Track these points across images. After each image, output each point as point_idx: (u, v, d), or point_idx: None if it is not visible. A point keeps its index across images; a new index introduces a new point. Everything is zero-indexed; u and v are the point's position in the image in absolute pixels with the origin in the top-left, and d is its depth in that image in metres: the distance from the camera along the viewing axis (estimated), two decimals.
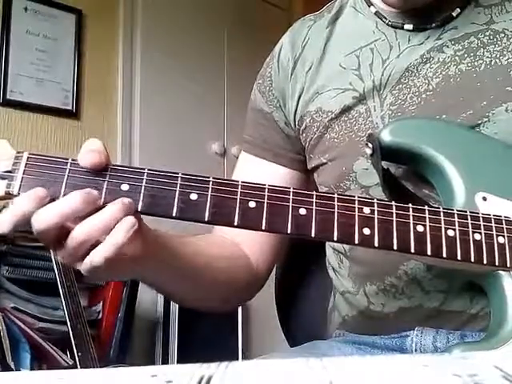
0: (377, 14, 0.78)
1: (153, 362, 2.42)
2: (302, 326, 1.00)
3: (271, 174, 0.86)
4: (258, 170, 0.87)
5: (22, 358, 1.86)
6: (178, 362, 2.38)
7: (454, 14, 0.74)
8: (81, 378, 0.39)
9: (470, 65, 0.72)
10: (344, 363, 0.39)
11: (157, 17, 2.76)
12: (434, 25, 0.74)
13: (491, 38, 0.72)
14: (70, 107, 2.45)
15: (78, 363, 1.76)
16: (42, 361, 1.94)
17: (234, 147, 2.89)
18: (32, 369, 1.86)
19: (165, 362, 2.39)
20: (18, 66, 2.33)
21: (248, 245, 0.85)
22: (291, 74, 0.83)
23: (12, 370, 1.74)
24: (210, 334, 2.35)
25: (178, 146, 2.75)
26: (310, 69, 0.82)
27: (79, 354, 1.76)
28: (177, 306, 2.40)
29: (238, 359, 2.39)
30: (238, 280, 0.83)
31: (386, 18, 0.76)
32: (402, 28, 0.75)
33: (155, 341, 2.46)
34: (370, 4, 0.79)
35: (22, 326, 1.90)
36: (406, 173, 0.73)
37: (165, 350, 2.41)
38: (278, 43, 0.89)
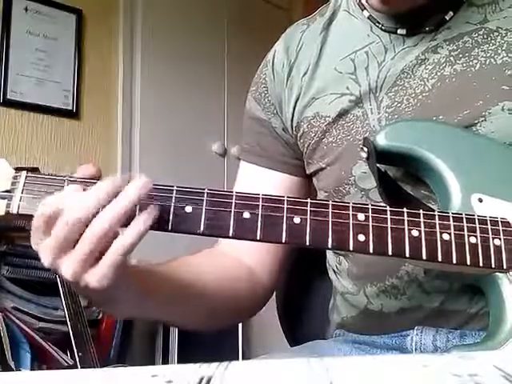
0: (370, 18, 0.77)
1: (153, 362, 2.42)
2: (302, 325, 1.00)
3: (273, 181, 0.85)
4: (260, 179, 0.87)
5: (22, 357, 1.86)
6: (178, 362, 2.38)
7: (447, 18, 0.74)
8: (81, 378, 0.39)
9: (464, 65, 0.72)
10: (344, 363, 0.39)
11: (157, 17, 2.76)
12: (427, 29, 0.74)
13: (485, 37, 0.72)
14: (70, 107, 2.45)
15: (78, 363, 1.76)
16: (42, 361, 1.94)
17: (235, 147, 2.89)
18: (32, 369, 1.86)
19: (165, 362, 2.39)
20: (18, 66, 2.33)
21: (251, 256, 0.85)
22: (287, 80, 0.83)
23: (12, 370, 1.74)
24: (210, 334, 2.35)
25: (179, 145, 2.75)
26: (305, 74, 0.81)
27: (79, 353, 1.76)
28: None
29: (238, 359, 2.38)
30: (242, 299, 0.83)
31: (379, 23, 0.76)
32: (396, 32, 0.75)
33: (155, 341, 2.46)
34: (363, 8, 0.79)
35: (22, 325, 1.91)
36: (403, 175, 0.73)
37: (165, 350, 2.41)
38: (270, 50, 0.88)
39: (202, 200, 0.59)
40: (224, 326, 0.85)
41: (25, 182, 0.59)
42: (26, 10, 2.36)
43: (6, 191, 0.59)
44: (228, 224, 0.59)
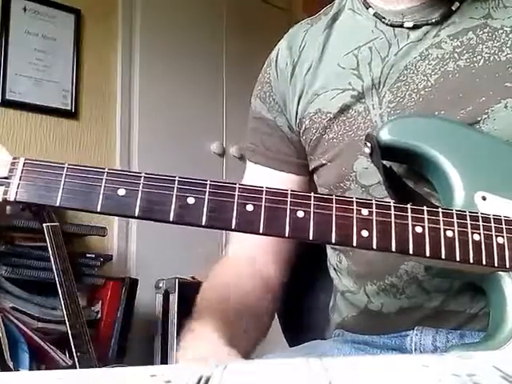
0: (375, 15, 0.78)
1: (152, 362, 2.41)
2: (301, 326, 1.00)
3: (277, 181, 0.85)
4: (263, 179, 0.86)
5: (21, 358, 1.86)
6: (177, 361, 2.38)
7: (454, 9, 0.74)
8: (80, 378, 0.39)
9: (468, 61, 0.72)
10: (344, 363, 0.39)
11: (156, 17, 2.76)
12: (433, 20, 0.74)
13: (490, 34, 0.72)
14: (68, 107, 2.45)
15: (76, 363, 1.76)
16: (40, 361, 1.94)
17: (234, 147, 2.89)
18: (31, 369, 1.86)
19: (164, 362, 2.39)
20: (17, 66, 2.33)
21: (262, 249, 0.85)
22: (291, 78, 0.83)
23: (11, 370, 1.74)
24: None
25: (177, 145, 2.75)
26: (308, 71, 0.82)
27: (78, 354, 1.76)
28: (176, 305, 2.39)
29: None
30: (264, 312, 0.83)
31: (385, 18, 0.77)
32: (402, 26, 0.75)
33: (154, 341, 2.46)
34: (368, 6, 0.79)
35: (21, 326, 1.91)
36: (406, 172, 0.72)
37: (164, 350, 2.41)
38: (274, 49, 0.88)
39: (205, 191, 0.58)
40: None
41: (23, 169, 0.58)
42: (25, 9, 2.36)
43: (4, 178, 0.58)
44: (231, 216, 0.58)
